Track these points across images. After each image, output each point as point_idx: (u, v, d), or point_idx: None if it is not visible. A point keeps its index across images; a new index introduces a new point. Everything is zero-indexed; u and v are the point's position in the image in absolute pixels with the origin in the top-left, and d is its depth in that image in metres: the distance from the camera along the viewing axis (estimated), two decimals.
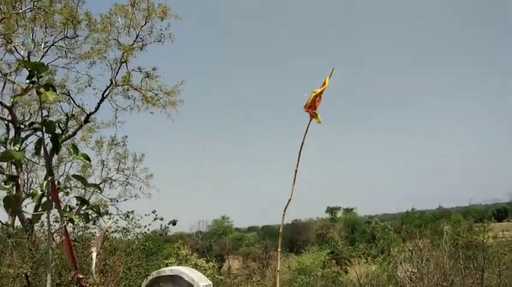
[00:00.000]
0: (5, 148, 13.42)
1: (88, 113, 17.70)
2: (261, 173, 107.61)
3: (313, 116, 5.53)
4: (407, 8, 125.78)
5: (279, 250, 6.62)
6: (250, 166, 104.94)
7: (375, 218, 56.07)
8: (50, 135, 3.59)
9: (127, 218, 11.82)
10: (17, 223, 16.69)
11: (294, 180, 5.72)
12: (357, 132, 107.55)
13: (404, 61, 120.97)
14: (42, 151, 3.48)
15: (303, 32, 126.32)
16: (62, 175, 18.03)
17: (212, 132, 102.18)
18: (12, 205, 3.88)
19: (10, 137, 17.92)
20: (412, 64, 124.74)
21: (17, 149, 3.57)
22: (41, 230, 12.47)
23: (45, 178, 3.48)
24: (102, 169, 19.92)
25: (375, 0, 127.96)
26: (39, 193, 3.55)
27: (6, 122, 17.97)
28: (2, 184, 3.66)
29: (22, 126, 17.55)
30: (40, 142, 3.57)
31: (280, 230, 6.39)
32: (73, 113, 17.78)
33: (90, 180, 18.56)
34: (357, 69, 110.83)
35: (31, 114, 18.66)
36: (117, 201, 19.36)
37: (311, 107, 5.50)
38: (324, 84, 5.45)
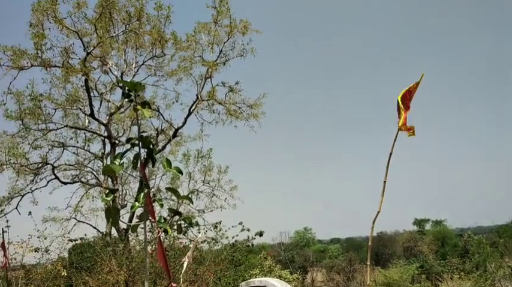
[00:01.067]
0: (102, 162, 14.53)
1: (176, 127, 18.54)
2: (343, 184, 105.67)
3: (408, 130, 5.35)
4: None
5: (368, 263, 6.42)
6: (332, 177, 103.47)
7: (468, 231, 52.58)
8: (145, 150, 3.81)
9: (215, 229, 12.17)
10: (113, 232, 17.80)
11: (383, 191, 5.57)
12: (448, 140, 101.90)
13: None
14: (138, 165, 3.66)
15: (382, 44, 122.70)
16: (152, 187, 18.98)
17: (294, 144, 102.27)
18: (113, 215, 4.15)
19: (106, 152, 19.27)
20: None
21: (117, 163, 3.79)
22: (135, 240, 13.20)
23: (142, 191, 3.66)
24: (189, 181, 20.70)
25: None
26: (137, 204, 3.77)
27: (102, 138, 19.33)
28: (104, 196, 3.91)
29: (117, 141, 18.78)
30: (137, 157, 3.78)
31: (369, 243, 6.24)
32: (162, 128, 18.74)
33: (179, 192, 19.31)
34: (447, 75, 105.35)
35: (124, 130, 19.95)
36: (204, 212, 19.98)
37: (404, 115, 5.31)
38: (410, 92, 5.27)
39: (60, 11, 15.86)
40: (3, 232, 8.35)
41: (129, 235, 15.70)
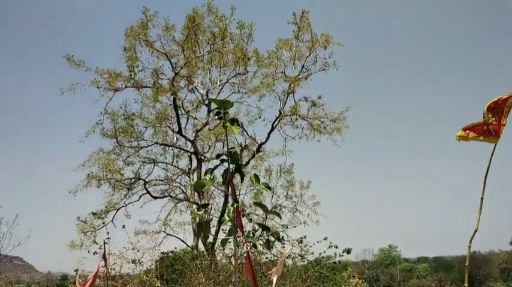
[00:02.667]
0: (189, 177, 14.95)
1: (259, 143, 18.78)
2: (431, 201, 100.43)
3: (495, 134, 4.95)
4: None
5: (466, 285, 5.97)
6: (419, 193, 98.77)
7: None
8: (234, 166, 3.87)
9: (300, 244, 12.06)
10: (199, 245, 18.28)
11: (480, 208, 5.21)
12: None
13: None
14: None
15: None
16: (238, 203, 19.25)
17: (376, 159, 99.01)
18: (204, 229, 4.25)
19: (193, 167, 19.95)
20: None
21: (207, 178, 3.90)
22: (222, 253, 13.47)
23: (228, 205, 3.74)
24: (272, 196, 20.73)
25: None
26: (227, 219, 3.83)
27: (189, 154, 20.06)
28: (195, 210, 4.01)
29: (203, 157, 19.39)
30: (226, 172, 3.85)
31: (466, 263, 5.82)
32: (246, 143, 19.06)
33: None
34: None
35: (209, 146, 20.53)
36: (287, 227, 19.89)
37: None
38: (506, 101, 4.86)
39: (151, 35, 16.89)
40: (104, 243, 8.89)
41: (215, 249, 16.05)
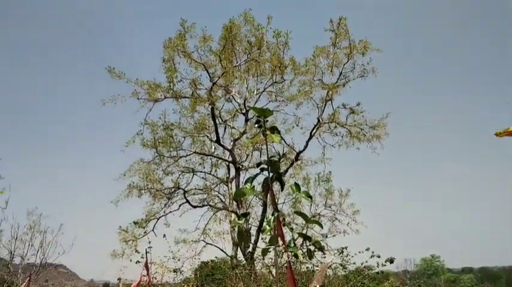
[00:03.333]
0: (227, 186, 14.99)
1: (298, 151, 18.66)
2: (475, 209, 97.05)
3: None
4: None
5: None
6: (463, 202, 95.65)
7: None
8: (274, 174, 3.82)
9: (340, 254, 11.85)
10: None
11: None
12: None
13: None
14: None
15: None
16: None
17: (417, 167, 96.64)
18: (245, 239, 4.21)
19: (230, 176, 20.03)
20: None
21: (248, 187, 3.85)
22: (261, 263, 13.38)
23: (266, 214, 3.68)
24: (310, 205, 20.54)
25: None
26: (268, 228, 3.77)
27: (227, 163, 20.17)
28: (235, 219, 3.98)
29: (240, 166, 19.44)
30: (266, 181, 3.80)
31: None
32: (284, 152, 18.99)
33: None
34: None
35: (247, 155, 20.58)
36: (327, 237, 19.63)
37: None
38: None
39: (188, 46, 17.16)
40: (146, 252, 9.01)
41: (255, 258, 16.00)
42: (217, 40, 18.13)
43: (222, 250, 18.93)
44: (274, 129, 3.85)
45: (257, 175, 3.85)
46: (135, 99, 17.21)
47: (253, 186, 3.83)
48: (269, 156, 3.82)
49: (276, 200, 19.28)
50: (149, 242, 11.63)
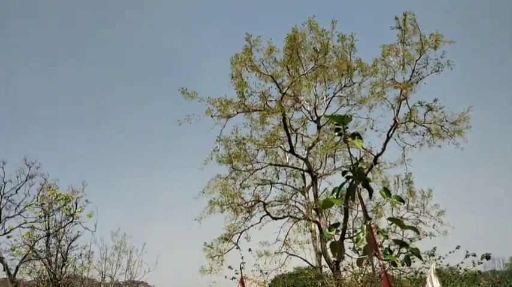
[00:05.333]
0: (304, 195, 14.84)
1: (375, 155, 18.15)
2: None
3: None
4: None
5: None
6: None
7: None
8: (361, 181, 3.69)
9: (431, 257, 11.32)
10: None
11: None
12: None
13: None
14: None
15: None
16: (353, 219, 18.76)
17: (496, 161, 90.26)
18: (338, 249, 4.09)
19: (307, 185, 19.87)
20: None
21: (334, 196, 3.75)
22: (349, 271, 13.12)
23: (364, 223, 3.55)
24: (392, 209, 19.85)
25: None
26: (361, 237, 3.64)
27: (302, 172, 20.04)
28: (327, 230, 3.87)
29: (316, 174, 19.23)
30: (353, 188, 3.68)
31: None
32: (361, 156, 18.54)
33: (380, 220, 18.79)
34: None
35: (321, 163, 20.30)
36: (412, 241, 18.86)
37: None
38: None
39: (256, 59, 17.37)
40: (240, 268, 9.12)
41: (340, 267, 15.70)
42: (281, 50, 18.26)
43: (305, 260, 18.77)
44: (355, 135, 3.77)
45: (344, 183, 3.75)
46: (208, 117, 17.65)
47: (342, 195, 3.74)
48: (354, 163, 3.73)
49: (356, 207, 18.93)
50: (242, 258, 11.79)
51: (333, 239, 3.92)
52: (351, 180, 3.67)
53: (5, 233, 14.44)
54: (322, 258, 17.88)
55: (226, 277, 14.23)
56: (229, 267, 14.05)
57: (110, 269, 15.65)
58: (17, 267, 14.48)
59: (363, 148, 18.49)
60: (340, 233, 15.26)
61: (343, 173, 3.87)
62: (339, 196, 3.76)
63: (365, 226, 3.61)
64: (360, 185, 3.65)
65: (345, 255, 15.02)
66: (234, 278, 12.56)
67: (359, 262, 4.06)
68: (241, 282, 8.99)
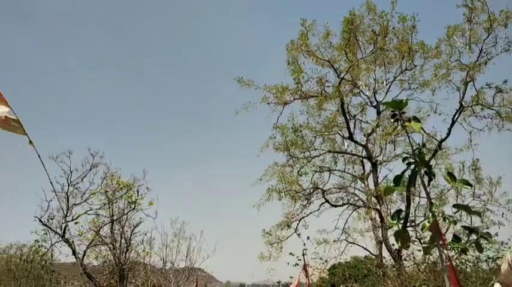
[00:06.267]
0: (363, 183, 14.49)
1: (439, 140, 17.36)
2: None
3: None
4: None
5: None
6: None
7: None
8: (423, 167, 3.53)
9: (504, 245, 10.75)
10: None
11: None
12: None
13: None
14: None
15: None
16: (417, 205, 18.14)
17: None
18: (403, 237, 3.92)
19: (366, 172, 19.39)
20: None
21: (398, 183, 3.61)
22: (411, 260, 12.70)
23: (430, 210, 3.36)
24: (456, 196, 19.00)
25: None
26: (427, 225, 3.48)
27: (361, 159, 19.56)
28: (389, 218, 3.75)
29: (377, 161, 18.70)
30: (415, 174, 3.53)
31: None
32: (424, 142, 17.82)
33: (444, 208, 18.03)
34: None
35: (381, 149, 19.66)
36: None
37: None
38: None
39: (311, 44, 17.05)
40: (303, 254, 9.06)
41: (402, 256, 15.27)
42: (337, 35, 17.80)
43: (365, 249, 18.43)
44: (414, 119, 3.62)
45: (406, 170, 3.60)
46: (265, 104, 17.59)
47: (404, 182, 3.60)
48: (415, 148, 3.59)
49: (418, 194, 18.25)
50: (304, 244, 11.69)
51: (397, 228, 3.78)
52: (413, 166, 3.53)
53: (72, 220, 15.10)
54: (383, 247, 17.47)
55: (288, 263, 14.17)
56: (291, 254, 14.00)
57: (170, 255, 16.05)
58: (84, 252, 15.13)
59: (425, 132, 17.76)
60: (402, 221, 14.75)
61: (404, 159, 3.71)
62: (401, 183, 3.62)
63: (430, 214, 3.47)
64: (422, 171, 3.51)
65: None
66: (297, 265, 12.49)
67: (426, 250, 3.87)
68: (304, 268, 8.92)
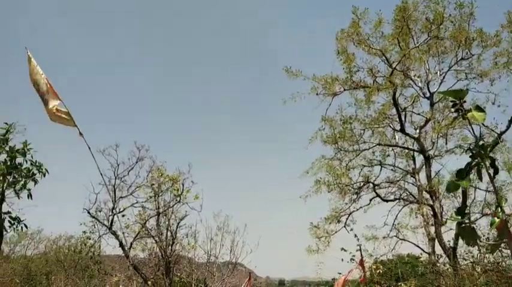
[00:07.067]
0: (414, 177, 13.91)
1: (499, 132, 16.43)
2: None
3: None
4: None
5: None
6: None
7: None
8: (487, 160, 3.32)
9: None
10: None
11: None
12: None
13: None
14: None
15: None
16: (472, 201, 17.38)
17: None
18: (471, 235, 3.71)
19: (417, 166, 18.65)
20: None
21: (461, 178, 3.41)
22: (467, 259, 12.13)
23: (498, 205, 3.17)
24: None
25: None
26: (497, 220, 3.27)
27: (412, 153, 18.83)
28: (453, 214, 3.56)
29: (429, 155, 17.92)
30: (479, 168, 3.32)
31: None
32: (481, 135, 16.89)
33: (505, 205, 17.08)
34: None
35: (433, 143, 18.80)
36: None
37: None
38: None
39: (363, 33, 16.52)
40: (360, 249, 8.81)
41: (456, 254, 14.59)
42: (389, 23, 17.15)
43: (417, 246, 17.79)
44: (477, 108, 3.42)
45: (470, 163, 3.38)
46: (313, 95, 17.21)
47: (469, 177, 3.40)
48: (477, 139, 3.38)
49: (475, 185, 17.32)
50: (357, 239, 11.33)
51: (464, 224, 3.58)
52: (476, 160, 3.31)
53: (119, 212, 15.38)
54: (436, 244, 16.79)
55: (342, 259, 13.75)
56: (343, 249, 13.61)
57: (214, 249, 16.05)
58: (131, 244, 15.40)
59: (483, 124, 16.83)
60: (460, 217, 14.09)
61: (467, 150, 3.52)
62: (464, 178, 3.41)
63: (499, 209, 3.26)
64: (487, 164, 3.28)
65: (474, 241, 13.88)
66: (353, 260, 12.15)
67: (493, 249, 3.58)
68: (361, 263, 8.66)
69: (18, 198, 8.44)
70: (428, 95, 18.25)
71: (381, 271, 12.44)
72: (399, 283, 12.58)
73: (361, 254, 8.95)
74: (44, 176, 8.69)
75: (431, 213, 17.03)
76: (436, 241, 16.61)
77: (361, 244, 9.93)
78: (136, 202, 15.84)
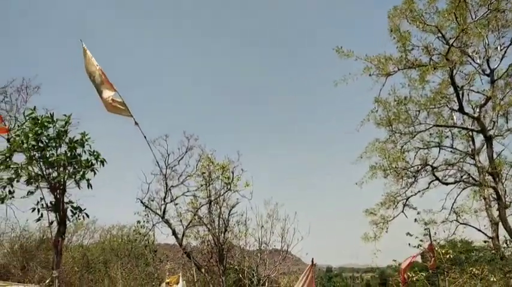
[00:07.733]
0: (473, 159, 13.06)
1: None
2: None
3: None
4: None
5: None
6: None
7: None
8: None
9: None
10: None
11: None
12: None
13: None
14: None
15: None
16: None
17: None
18: None
19: (476, 147, 17.72)
20: None
21: None
22: None
23: None
24: None
25: None
26: None
27: (470, 133, 17.91)
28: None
29: (491, 135, 16.99)
30: None
31: None
32: None
33: None
34: None
35: (493, 123, 17.80)
36: None
37: None
38: None
39: (418, 9, 15.70)
40: (429, 234, 8.46)
41: None
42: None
43: (479, 230, 17.00)
44: None
45: None
46: (366, 76, 16.58)
47: None
48: None
49: None
50: (425, 224, 10.88)
51: None
52: None
53: (171, 201, 15.47)
54: (500, 227, 15.97)
55: (409, 244, 13.27)
56: (408, 234, 13.09)
57: (265, 236, 15.90)
58: (183, 232, 15.47)
59: None
60: None
61: None
62: None
63: None
64: None
65: None
66: (420, 246, 11.67)
67: None
68: (430, 248, 8.26)
69: (79, 188, 8.50)
70: (488, 71, 17.26)
71: (451, 256, 11.95)
72: (471, 268, 11.98)
73: (430, 239, 8.52)
74: (103, 165, 8.73)
75: (495, 195, 16.19)
76: (500, 224, 15.81)
77: (428, 228, 9.47)
78: (188, 191, 15.91)
